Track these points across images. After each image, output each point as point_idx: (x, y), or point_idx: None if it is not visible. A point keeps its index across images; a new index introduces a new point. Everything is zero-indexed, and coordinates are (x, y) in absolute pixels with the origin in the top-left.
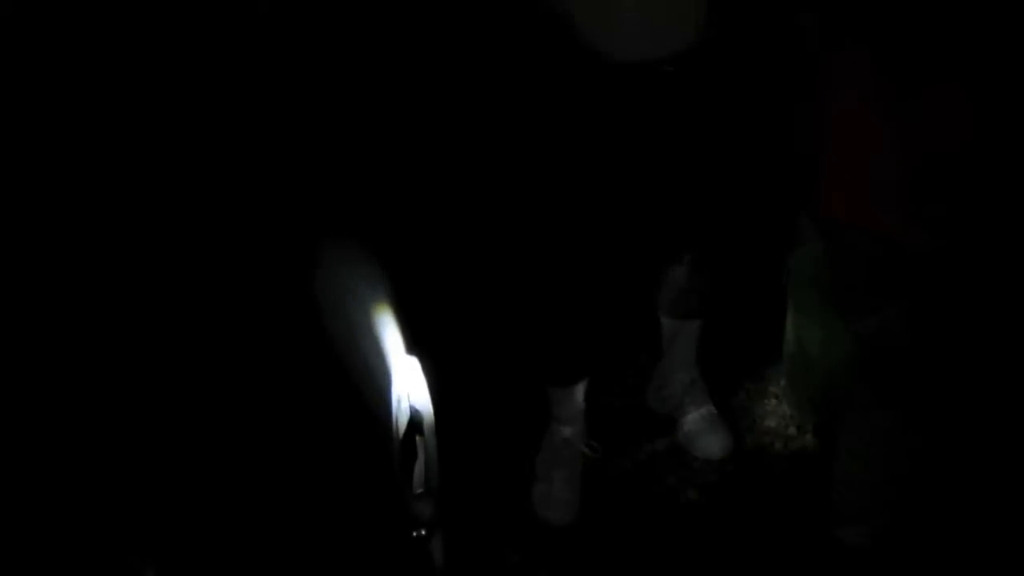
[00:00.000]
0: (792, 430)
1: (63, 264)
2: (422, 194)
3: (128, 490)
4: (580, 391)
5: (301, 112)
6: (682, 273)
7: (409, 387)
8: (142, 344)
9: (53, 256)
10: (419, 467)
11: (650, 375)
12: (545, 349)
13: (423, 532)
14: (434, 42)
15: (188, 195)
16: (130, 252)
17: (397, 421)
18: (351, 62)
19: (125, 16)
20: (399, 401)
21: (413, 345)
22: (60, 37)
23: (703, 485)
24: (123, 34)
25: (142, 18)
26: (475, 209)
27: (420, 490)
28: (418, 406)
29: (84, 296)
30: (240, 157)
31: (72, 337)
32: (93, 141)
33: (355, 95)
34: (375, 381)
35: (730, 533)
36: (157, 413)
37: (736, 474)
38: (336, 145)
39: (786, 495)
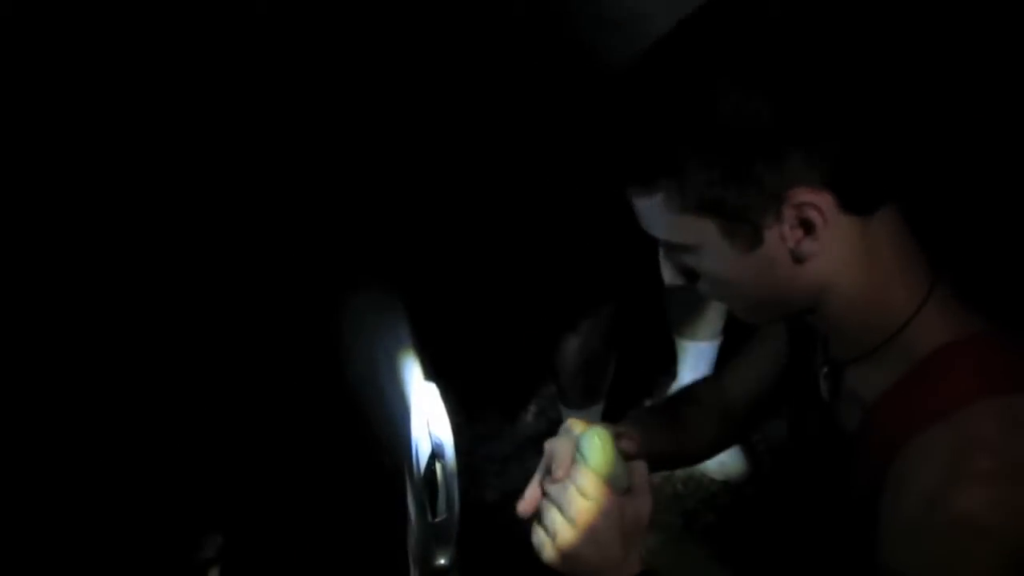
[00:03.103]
0: None
1: (62, 266)
2: (431, 211)
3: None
4: (597, 414)
5: (300, 112)
6: (697, 294)
7: (429, 414)
8: (148, 357)
9: (52, 257)
10: (440, 495)
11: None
12: (561, 371)
13: (443, 561)
14: (434, 43)
15: (187, 197)
16: (126, 254)
17: (417, 449)
18: (350, 62)
19: (124, 16)
20: (419, 429)
21: (432, 372)
22: (60, 37)
23: (721, 508)
24: (122, 34)
25: (141, 18)
26: (487, 226)
27: (442, 517)
28: (439, 433)
29: (87, 306)
30: (239, 157)
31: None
32: (92, 141)
33: (354, 96)
34: (393, 409)
35: (748, 557)
36: (174, 436)
37: (754, 497)
38: (335, 147)
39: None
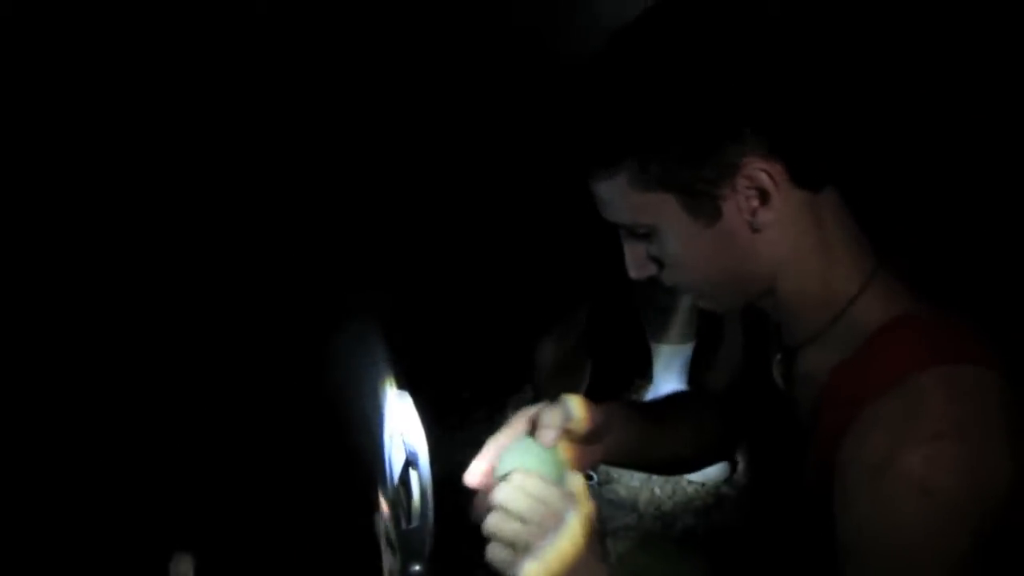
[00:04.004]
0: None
1: (61, 267)
2: (405, 218)
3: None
4: None
5: (299, 112)
6: (670, 298)
7: (402, 423)
8: (132, 352)
9: (52, 258)
10: (414, 502)
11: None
12: (537, 376)
13: (418, 567)
14: (433, 43)
15: (185, 197)
16: (124, 254)
17: (390, 458)
18: (349, 63)
19: (124, 16)
20: (392, 437)
21: (406, 380)
22: (60, 37)
23: (700, 510)
24: (122, 34)
25: (141, 18)
26: (460, 231)
27: (416, 524)
28: (412, 442)
29: (79, 302)
30: (237, 156)
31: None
32: (92, 141)
33: (353, 96)
34: (367, 420)
35: (728, 558)
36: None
37: (732, 498)
38: (333, 146)
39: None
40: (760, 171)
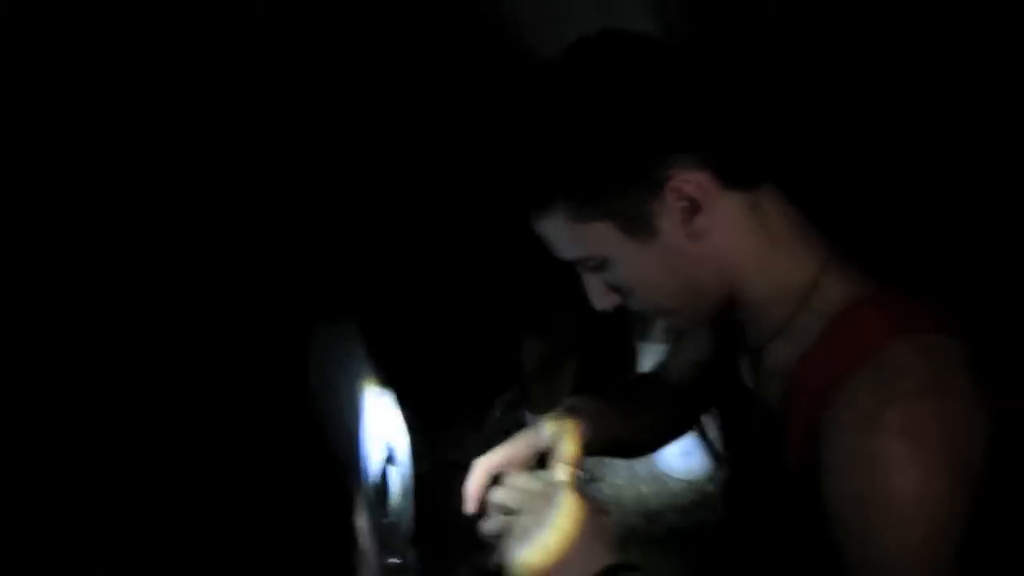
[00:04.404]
0: None
1: (59, 268)
2: (389, 218)
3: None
4: None
5: (299, 112)
6: None
7: (383, 419)
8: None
9: (50, 259)
10: (393, 497)
11: None
12: (524, 377)
13: (396, 560)
14: (433, 44)
15: (185, 197)
16: (124, 255)
17: (369, 453)
18: (349, 63)
19: (124, 16)
20: (370, 433)
21: (389, 380)
22: (60, 37)
23: (684, 508)
24: (122, 34)
25: (141, 18)
26: (446, 234)
27: (394, 519)
28: (392, 437)
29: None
30: (237, 156)
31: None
32: (91, 141)
33: (353, 96)
34: (342, 415)
35: (713, 555)
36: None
37: (715, 495)
38: (333, 145)
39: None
40: (686, 182)
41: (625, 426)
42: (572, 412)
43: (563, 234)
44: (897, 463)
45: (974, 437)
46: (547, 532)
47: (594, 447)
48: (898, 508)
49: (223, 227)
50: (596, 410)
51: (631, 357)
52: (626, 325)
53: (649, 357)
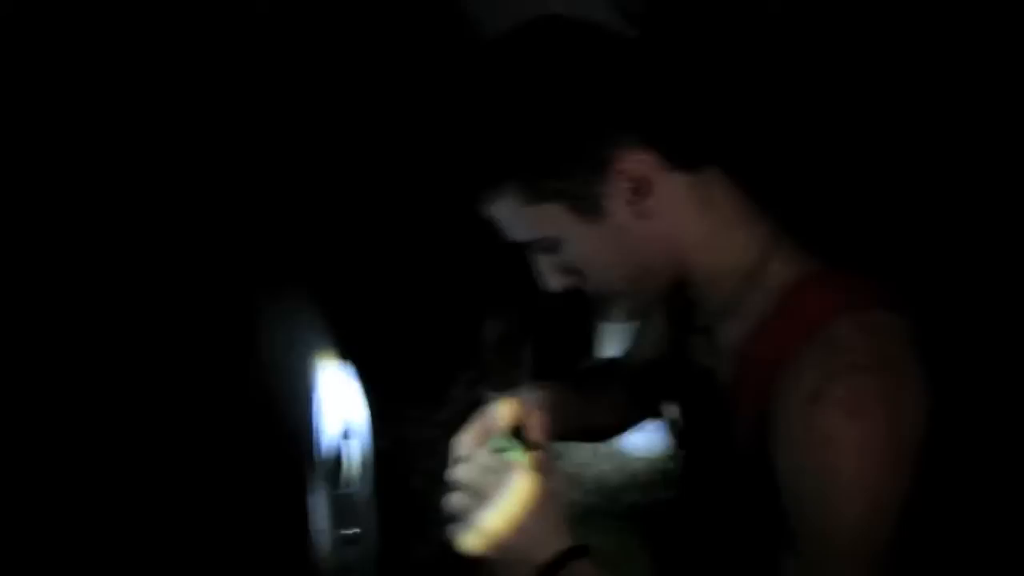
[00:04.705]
0: None
1: (58, 267)
2: (347, 197)
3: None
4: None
5: (299, 112)
6: None
7: (338, 392)
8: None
9: (50, 258)
10: (347, 469)
11: None
12: (483, 355)
13: (353, 531)
14: (433, 44)
15: (185, 195)
16: (124, 254)
17: (322, 425)
18: (350, 63)
19: (124, 15)
20: (324, 406)
21: (346, 355)
22: (60, 37)
23: (645, 486)
24: (122, 33)
25: (141, 17)
26: (404, 212)
27: (350, 490)
28: (348, 410)
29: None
30: (238, 156)
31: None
32: (91, 141)
33: (354, 96)
34: (295, 390)
35: (673, 533)
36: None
37: (675, 473)
38: (333, 144)
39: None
40: (632, 163)
41: (590, 412)
42: (536, 393)
43: (514, 217)
44: (839, 437)
45: (915, 412)
46: (493, 514)
47: (560, 433)
48: (840, 481)
49: (181, 203)
50: (561, 397)
51: (590, 336)
52: (586, 304)
53: (609, 336)
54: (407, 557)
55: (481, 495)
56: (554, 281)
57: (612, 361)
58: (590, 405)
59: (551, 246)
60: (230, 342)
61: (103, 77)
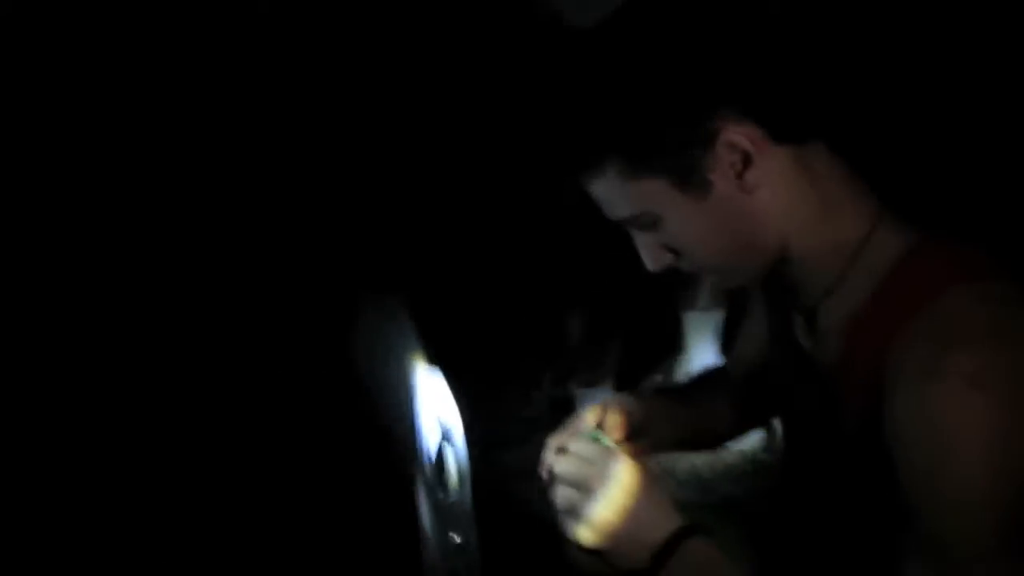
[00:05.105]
0: None
1: (62, 266)
2: (430, 200)
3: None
4: (607, 390)
5: (301, 112)
6: None
7: (434, 398)
8: (150, 350)
9: (52, 258)
10: (451, 476)
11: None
12: (569, 350)
13: (458, 539)
14: (433, 44)
15: (188, 197)
16: (126, 255)
17: (425, 433)
18: (351, 62)
19: (125, 15)
20: (425, 413)
21: (436, 358)
22: (60, 37)
23: (739, 478)
24: (123, 33)
25: (142, 17)
26: (487, 208)
27: (454, 498)
28: (445, 417)
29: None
30: (240, 158)
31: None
32: (92, 141)
33: (355, 96)
34: (400, 400)
35: (771, 525)
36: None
37: (770, 464)
38: (336, 145)
39: None
40: (737, 135)
41: (694, 420)
42: (622, 397)
43: (615, 192)
44: (960, 411)
45: None
46: (602, 505)
47: (664, 443)
48: (963, 451)
49: (262, 212)
50: (666, 409)
51: (677, 328)
52: (670, 296)
53: (694, 326)
54: (509, 562)
55: (586, 487)
56: (653, 260)
57: (718, 369)
58: (694, 413)
59: (652, 223)
60: (329, 351)
61: (104, 77)
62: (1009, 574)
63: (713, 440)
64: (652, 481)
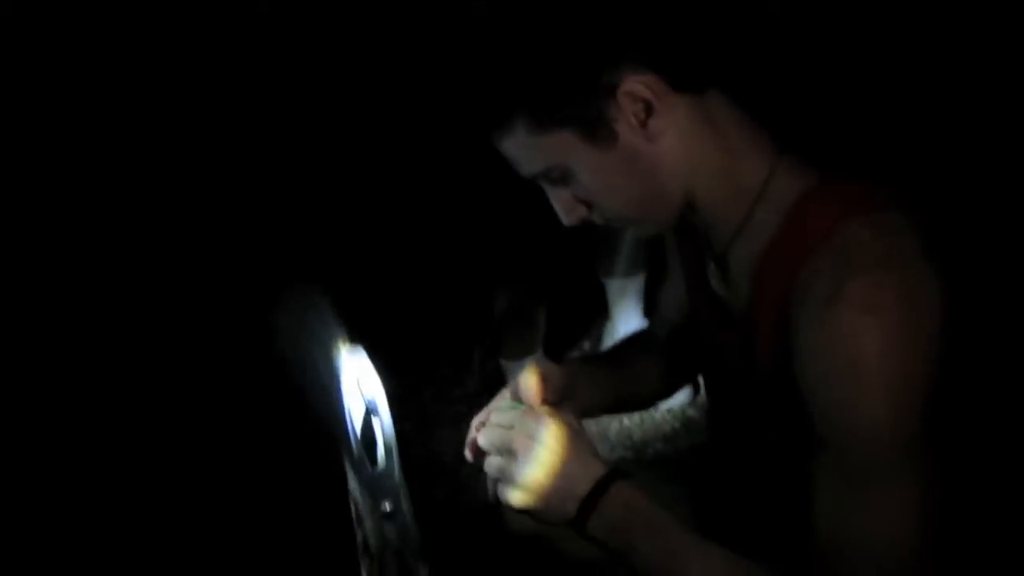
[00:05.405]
0: None
1: (59, 263)
2: (351, 186)
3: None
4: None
5: (300, 111)
6: (609, 232)
7: (357, 375)
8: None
9: (50, 256)
10: (379, 447)
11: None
12: (496, 324)
13: (388, 507)
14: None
15: (186, 193)
16: (126, 251)
17: (350, 409)
18: (351, 62)
19: (125, 15)
20: (349, 390)
21: (358, 336)
22: (60, 37)
23: (667, 435)
24: (123, 33)
25: (142, 17)
26: (412, 188)
27: (382, 467)
28: (369, 390)
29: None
30: (238, 155)
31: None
32: (92, 140)
33: (355, 95)
34: (323, 377)
35: (701, 479)
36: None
37: (697, 419)
38: (333, 143)
39: None
40: (638, 85)
41: (622, 383)
42: (542, 363)
43: (526, 148)
44: (858, 334)
45: (931, 306)
46: (530, 467)
47: (592, 407)
48: (864, 378)
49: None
50: (590, 375)
51: (599, 296)
52: (591, 264)
53: (618, 293)
54: (445, 525)
55: (511, 451)
56: (568, 214)
57: (644, 332)
58: (620, 376)
59: (562, 176)
60: (248, 338)
61: (104, 77)
62: (912, 483)
63: (641, 402)
64: (574, 435)
